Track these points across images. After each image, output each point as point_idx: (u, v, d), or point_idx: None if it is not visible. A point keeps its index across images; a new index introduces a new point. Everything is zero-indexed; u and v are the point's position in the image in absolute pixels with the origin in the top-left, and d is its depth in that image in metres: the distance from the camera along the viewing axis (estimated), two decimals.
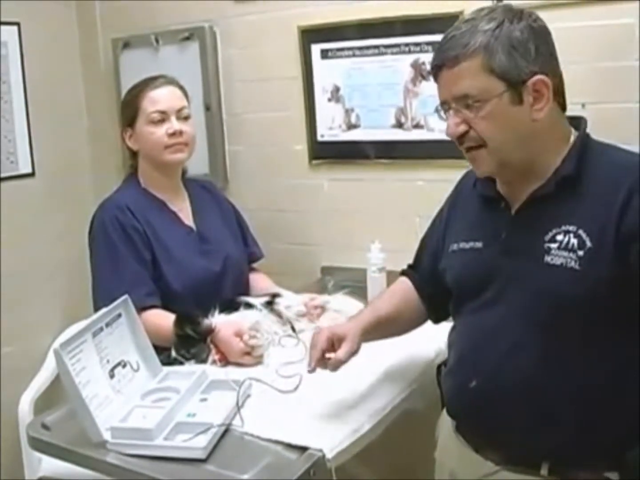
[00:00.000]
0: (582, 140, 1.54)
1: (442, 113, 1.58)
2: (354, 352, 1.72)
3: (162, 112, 2.28)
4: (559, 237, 1.47)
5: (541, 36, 1.50)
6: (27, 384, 2.87)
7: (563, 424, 1.45)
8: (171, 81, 2.36)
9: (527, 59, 1.46)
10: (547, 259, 1.47)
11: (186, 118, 2.33)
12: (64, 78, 3.33)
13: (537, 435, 1.47)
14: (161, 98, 2.30)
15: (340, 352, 1.70)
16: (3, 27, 3.02)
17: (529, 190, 1.54)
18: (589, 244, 1.43)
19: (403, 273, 1.95)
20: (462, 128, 1.51)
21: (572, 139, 1.55)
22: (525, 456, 1.50)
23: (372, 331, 1.80)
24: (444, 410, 1.73)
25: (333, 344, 1.72)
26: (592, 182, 1.48)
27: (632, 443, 1.44)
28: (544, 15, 1.55)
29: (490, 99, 1.46)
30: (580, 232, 1.45)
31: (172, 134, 2.28)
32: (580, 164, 1.50)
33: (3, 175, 3.05)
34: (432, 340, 1.98)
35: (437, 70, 1.53)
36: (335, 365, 1.70)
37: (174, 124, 2.28)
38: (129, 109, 2.34)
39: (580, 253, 1.43)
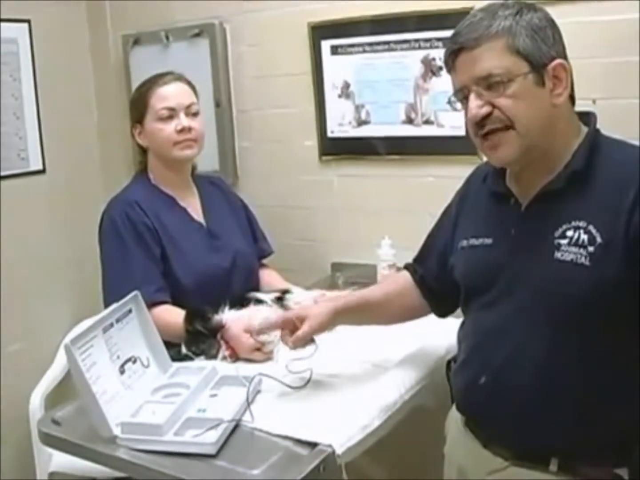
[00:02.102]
0: (592, 136, 1.54)
1: (456, 104, 1.58)
2: (315, 331, 1.79)
3: (171, 109, 2.28)
4: (569, 233, 1.46)
5: (555, 26, 1.51)
6: (37, 380, 2.89)
7: (571, 420, 1.45)
8: (179, 77, 2.36)
9: (547, 43, 1.48)
10: (557, 254, 1.46)
11: (195, 114, 2.33)
12: (75, 75, 3.34)
13: (546, 431, 1.47)
14: (169, 94, 2.30)
15: (299, 331, 1.77)
16: (14, 24, 3.03)
17: (538, 186, 1.53)
18: (599, 239, 1.42)
19: (405, 267, 1.96)
20: (486, 109, 1.49)
21: (581, 134, 1.55)
22: (534, 452, 1.50)
23: (351, 313, 1.85)
24: (454, 406, 1.73)
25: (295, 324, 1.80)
26: (603, 177, 1.48)
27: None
28: (551, 10, 1.55)
29: (515, 79, 1.46)
30: (591, 227, 1.44)
31: (181, 131, 2.28)
32: (591, 159, 1.50)
33: (14, 172, 3.06)
34: (442, 336, 1.98)
35: (454, 55, 1.51)
36: (294, 343, 1.78)
37: (183, 121, 2.28)
38: (138, 106, 2.34)
39: (591, 249, 1.43)
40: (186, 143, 2.30)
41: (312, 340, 1.81)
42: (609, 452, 1.45)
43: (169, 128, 2.28)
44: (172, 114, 2.28)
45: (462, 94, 1.54)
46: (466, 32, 1.49)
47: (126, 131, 2.43)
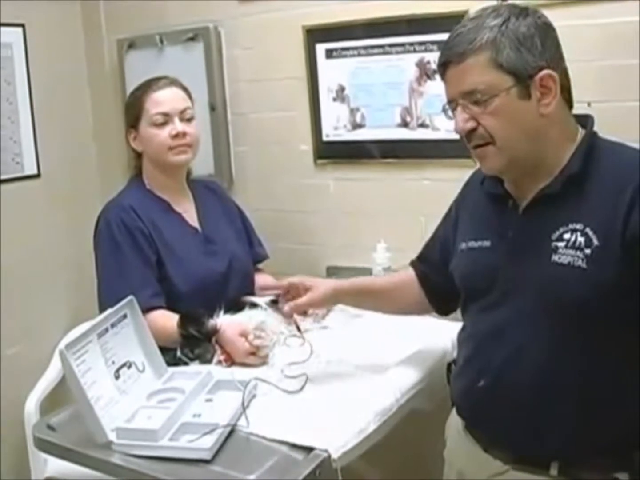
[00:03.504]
0: (589, 138, 1.54)
1: (449, 112, 1.58)
2: (313, 304, 1.95)
3: (165, 114, 2.28)
4: (566, 236, 1.46)
5: (547, 32, 1.50)
6: (33, 384, 2.87)
7: (571, 423, 1.45)
8: (174, 82, 2.35)
9: (534, 53, 1.47)
10: (555, 257, 1.46)
11: (190, 119, 2.33)
12: (69, 79, 3.33)
13: (546, 434, 1.47)
14: (164, 100, 2.29)
15: (299, 300, 1.90)
16: (8, 29, 3.03)
17: (536, 189, 1.54)
18: (595, 242, 1.42)
19: (411, 264, 1.96)
20: (471, 124, 1.50)
21: (579, 137, 1.54)
22: (534, 456, 1.50)
23: (353, 295, 1.96)
24: (454, 410, 1.73)
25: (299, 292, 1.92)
26: (599, 180, 1.48)
27: None
28: (548, 13, 1.55)
29: (498, 94, 1.46)
30: (588, 230, 1.44)
31: (175, 136, 2.27)
32: (587, 162, 1.50)
33: (8, 176, 3.06)
34: (439, 339, 1.98)
35: (444, 67, 1.52)
36: (292, 309, 1.92)
37: (177, 126, 2.28)
38: (132, 111, 2.33)
39: (588, 252, 1.43)
40: (181, 148, 2.29)
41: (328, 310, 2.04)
42: (610, 456, 1.45)
43: (164, 133, 2.27)
44: (166, 119, 2.28)
45: (451, 106, 1.55)
46: (453, 45, 1.50)
47: (122, 135, 2.43)
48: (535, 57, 1.47)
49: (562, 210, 1.49)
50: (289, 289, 1.96)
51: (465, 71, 1.48)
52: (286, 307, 1.92)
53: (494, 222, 1.63)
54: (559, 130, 1.53)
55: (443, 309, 1.91)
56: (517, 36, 1.46)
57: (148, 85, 2.32)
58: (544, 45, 1.48)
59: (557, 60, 1.51)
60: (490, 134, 1.49)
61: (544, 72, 1.47)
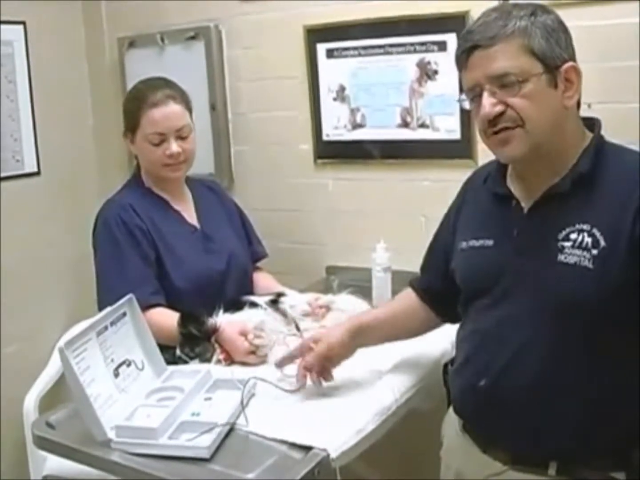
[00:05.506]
0: (598, 140, 1.55)
1: (465, 103, 1.57)
2: (334, 347, 1.82)
3: (161, 134, 2.26)
4: (573, 236, 1.46)
5: (566, 29, 1.53)
6: (32, 382, 2.87)
7: (570, 423, 1.45)
8: (172, 95, 2.29)
9: (561, 45, 1.49)
10: (561, 257, 1.46)
11: (186, 136, 2.30)
12: (70, 77, 3.33)
13: (545, 434, 1.47)
14: (160, 119, 2.25)
15: (319, 349, 1.81)
16: (9, 27, 3.03)
17: (542, 188, 1.54)
18: (602, 243, 1.43)
19: (410, 284, 1.93)
20: (499, 108, 1.49)
21: (586, 138, 1.55)
22: (533, 456, 1.50)
23: (364, 333, 1.85)
24: (450, 409, 1.73)
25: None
26: (607, 182, 1.48)
27: (638, 443, 1.44)
28: None
29: (529, 79, 1.46)
30: (595, 231, 1.44)
31: (170, 156, 2.26)
32: (596, 163, 1.50)
33: (9, 174, 3.06)
34: (437, 339, 1.98)
35: (468, 52, 1.51)
36: (327, 379, 1.82)
37: (172, 147, 2.26)
38: (130, 119, 2.32)
39: (594, 252, 1.43)
40: (175, 167, 2.29)
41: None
42: (608, 456, 1.45)
43: (159, 152, 2.26)
44: (162, 138, 2.26)
45: (473, 93, 1.53)
46: (481, 30, 1.50)
47: (121, 134, 2.42)
48: (561, 49, 1.49)
49: (569, 210, 1.50)
50: (302, 349, 1.85)
51: (495, 55, 1.47)
52: (315, 381, 1.81)
53: (497, 221, 1.62)
54: (574, 127, 1.55)
55: (452, 317, 1.83)
56: (546, 27, 1.48)
57: (145, 97, 2.28)
58: (566, 40, 1.51)
59: (574, 58, 1.53)
60: (520, 116, 1.48)
61: (569, 64, 1.49)
